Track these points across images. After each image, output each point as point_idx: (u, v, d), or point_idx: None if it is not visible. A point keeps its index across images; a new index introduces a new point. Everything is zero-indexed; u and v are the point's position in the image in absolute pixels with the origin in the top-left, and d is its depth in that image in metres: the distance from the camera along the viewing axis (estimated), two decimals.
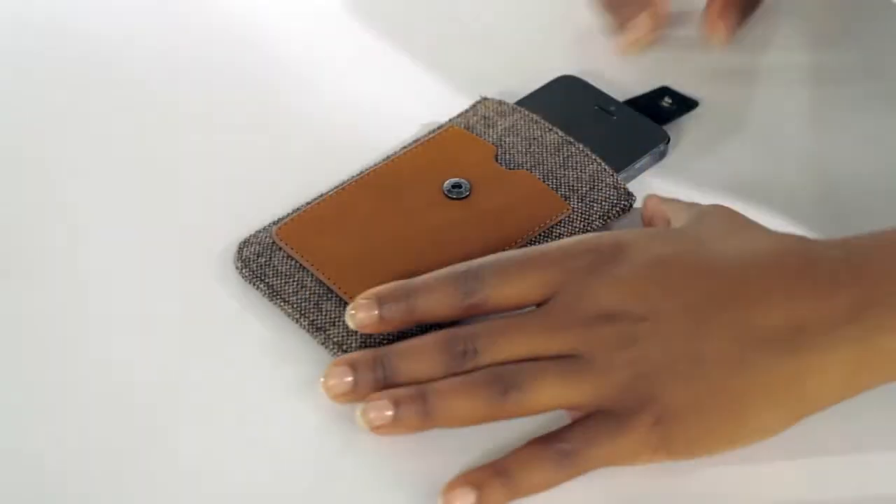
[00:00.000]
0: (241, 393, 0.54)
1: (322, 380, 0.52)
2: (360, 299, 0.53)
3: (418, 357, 0.51)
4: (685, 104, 0.63)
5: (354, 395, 0.51)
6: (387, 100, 0.67)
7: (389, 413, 0.50)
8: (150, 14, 0.72)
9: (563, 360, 0.50)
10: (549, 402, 0.50)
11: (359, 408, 0.51)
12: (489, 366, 0.50)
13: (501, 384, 0.49)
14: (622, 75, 0.67)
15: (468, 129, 0.64)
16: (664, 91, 0.63)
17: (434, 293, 0.52)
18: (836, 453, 0.51)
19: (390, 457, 0.51)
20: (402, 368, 0.51)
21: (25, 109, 0.67)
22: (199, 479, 0.51)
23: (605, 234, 0.54)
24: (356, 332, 0.53)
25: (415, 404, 0.50)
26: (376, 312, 0.52)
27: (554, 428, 0.50)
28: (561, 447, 0.49)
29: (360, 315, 0.52)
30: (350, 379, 0.51)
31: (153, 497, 0.51)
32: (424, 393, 0.50)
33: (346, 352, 0.54)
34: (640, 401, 0.48)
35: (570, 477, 0.49)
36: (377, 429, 0.50)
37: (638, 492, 0.50)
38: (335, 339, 0.54)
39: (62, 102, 0.67)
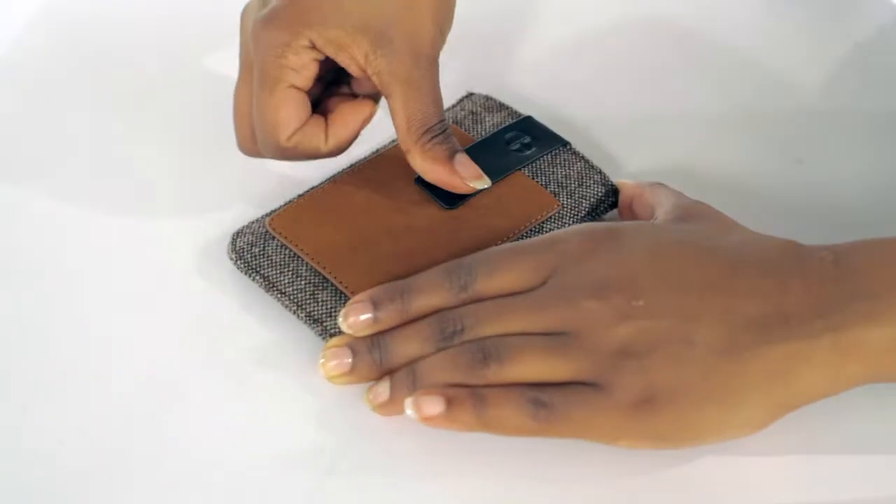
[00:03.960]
0: (240, 390, 0.54)
1: (321, 361, 0.53)
2: (354, 302, 0.53)
3: (412, 339, 0.52)
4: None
5: (352, 377, 0.52)
6: None
7: (386, 391, 0.51)
8: (149, 9, 0.71)
9: (551, 335, 0.50)
10: (531, 374, 0.50)
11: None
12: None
13: (481, 354, 0.50)
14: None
15: (457, 123, 0.64)
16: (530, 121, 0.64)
17: (428, 292, 0.53)
18: (834, 455, 0.52)
19: (392, 453, 0.52)
20: (398, 351, 0.52)
21: (22, 107, 0.67)
22: (198, 477, 0.51)
23: (597, 223, 0.54)
24: None
25: (406, 380, 0.51)
26: (371, 315, 0.53)
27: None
28: (538, 397, 0.49)
29: (352, 318, 0.53)
30: (349, 361, 0.52)
31: (153, 495, 0.51)
32: (413, 369, 0.51)
33: None
34: (628, 379, 0.48)
35: (541, 431, 0.49)
36: (379, 407, 0.52)
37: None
38: (332, 332, 0.54)
39: (59, 99, 0.67)
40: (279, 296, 0.56)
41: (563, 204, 0.60)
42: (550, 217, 0.60)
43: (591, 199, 0.61)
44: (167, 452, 0.52)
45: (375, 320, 0.53)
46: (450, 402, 0.49)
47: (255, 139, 0.58)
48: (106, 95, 0.67)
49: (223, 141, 0.62)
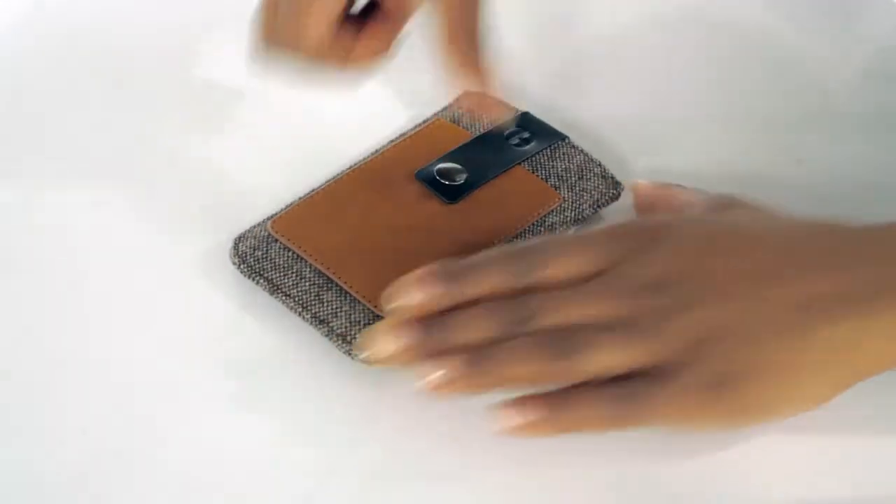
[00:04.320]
0: (241, 391, 0.54)
1: (366, 341, 0.51)
2: (402, 283, 0.51)
3: (474, 324, 0.51)
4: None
5: (405, 358, 0.51)
6: (374, 98, 0.67)
7: (447, 373, 0.50)
8: (149, 9, 0.71)
9: (621, 325, 0.50)
10: (606, 365, 0.50)
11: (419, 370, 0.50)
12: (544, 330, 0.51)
13: (557, 346, 0.50)
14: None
15: (454, 121, 0.64)
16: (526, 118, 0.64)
17: (486, 276, 0.52)
18: (833, 452, 0.52)
19: (395, 451, 0.52)
20: (457, 335, 0.50)
21: (21, 107, 0.67)
22: (198, 477, 0.51)
23: (647, 217, 0.56)
24: (359, 322, 0.54)
25: (473, 366, 0.50)
26: (424, 295, 0.51)
27: None
28: (617, 391, 0.49)
29: (403, 299, 0.51)
30: (402, 342, 0.50)
31: (152, 495, 0.51)
32: (481, 355, 0.50)
33: (349, 343, 0.54)
34: (697, 364, 0.49)
35: (624, 422, 0.49)
36: (435, 388, 0.50)
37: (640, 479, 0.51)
38: (338, 332, 0.54)
39: (58, 99, 0.67)
40: (284, 298, 0.56)
41: (564, 197, 0.60)
42: (552, 211, 0.60)
43: (593, 192, 0.61)
44: (167, 453, 0.52)
45: (430, 300, 0.51)
46: (550, 408, 0.49)
47: (276, 30, 0.55)
48: (106, 95, 0.67)
49: (224, 143, 0.62)
